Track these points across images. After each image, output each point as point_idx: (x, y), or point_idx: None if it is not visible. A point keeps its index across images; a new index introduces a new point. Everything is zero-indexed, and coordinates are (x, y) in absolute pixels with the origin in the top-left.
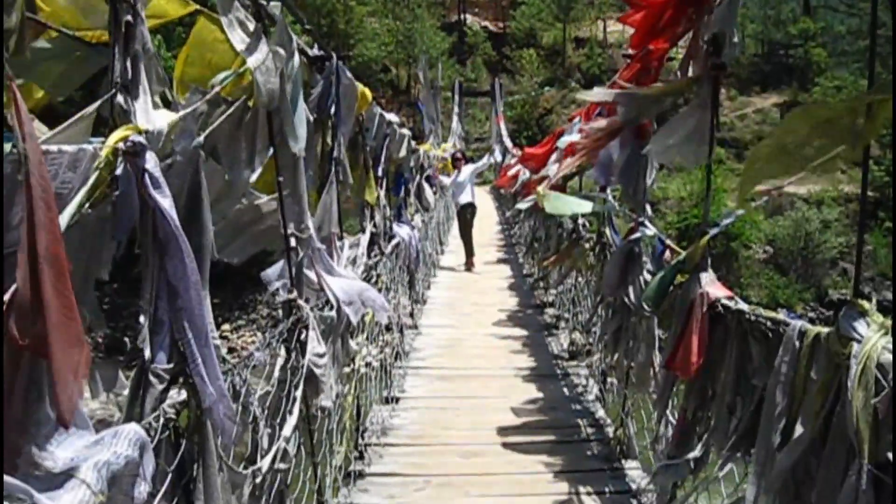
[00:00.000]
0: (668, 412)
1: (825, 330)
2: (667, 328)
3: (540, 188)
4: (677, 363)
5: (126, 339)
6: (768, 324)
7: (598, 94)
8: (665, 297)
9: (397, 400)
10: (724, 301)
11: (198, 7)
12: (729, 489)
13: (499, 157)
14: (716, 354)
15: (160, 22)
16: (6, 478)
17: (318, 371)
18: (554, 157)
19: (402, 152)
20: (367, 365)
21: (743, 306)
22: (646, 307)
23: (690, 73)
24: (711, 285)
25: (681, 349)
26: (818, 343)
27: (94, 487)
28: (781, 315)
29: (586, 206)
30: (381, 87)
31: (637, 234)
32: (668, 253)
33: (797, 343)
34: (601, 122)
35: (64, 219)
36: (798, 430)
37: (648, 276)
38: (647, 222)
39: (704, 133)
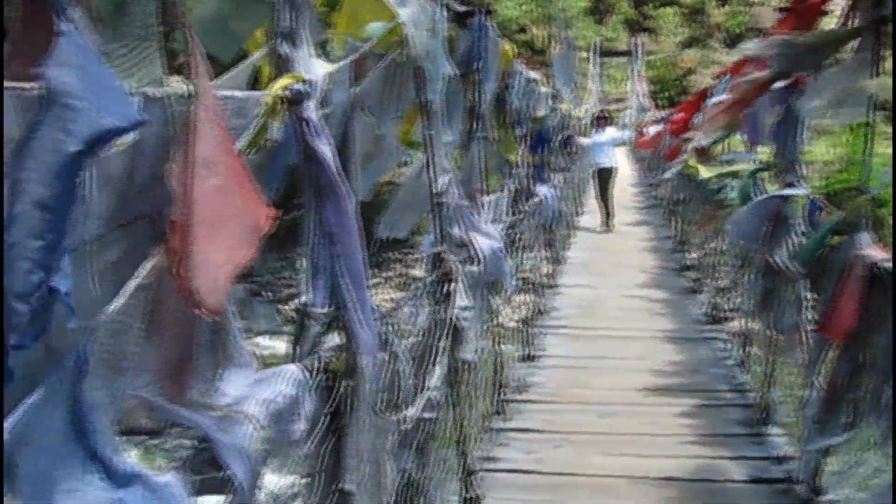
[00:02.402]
0: (817, 377)
1: None
2: (818, 291)
3: (689, 159)
4: (831, 326)
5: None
6: None
7: (753, 47)
8: (818, 258)
9: (536, 358)
10: (885, 263)
11: None
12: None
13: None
14: (871, 319)
15: None
16: (182, 411)
17: (464, 324)
18: (699, 118)
19: (543, 110)
20: (507, 323)
21: None
22: (796, 268)
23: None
24: (870, 247)
25: (835, 312)
26: None
27: (258, 423)
28: None
29: (738, 167)
30: (519, 47)
31: (786, 191)
32: (822, 214)
33: None
34: (752, 75)
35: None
36: None
37: (797, 238)
38: (799, 182)
39: (862, 91)
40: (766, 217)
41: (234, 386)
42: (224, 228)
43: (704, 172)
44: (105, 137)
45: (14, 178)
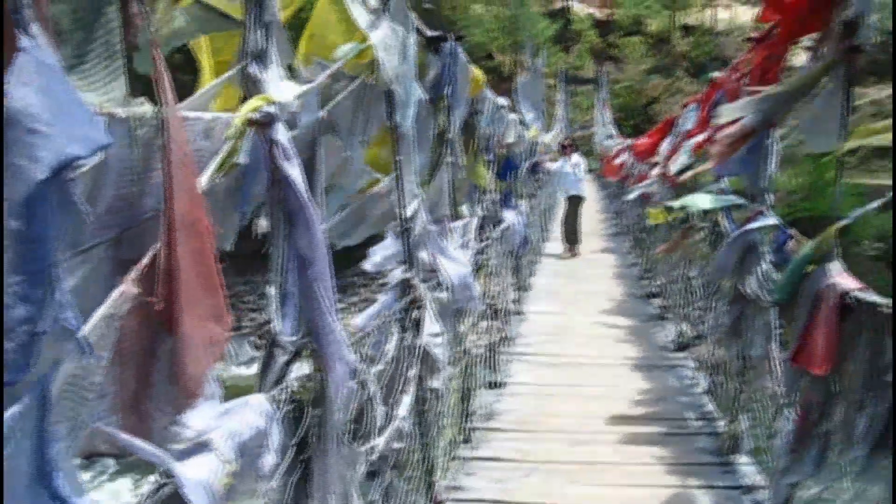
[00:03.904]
0: (789, 408)
1: None
2: (788, 320)
3: (652, 210)
4: (805, 357)
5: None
6: None
7: (732, 109)
8: (796, 289)
9: (503, 385)
10: (857, 293)
11: None
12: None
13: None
14: (844, 348)
15: (291, 10)
16: (144, 444)
17: (435, 351)
18: (666, 144)
19: (512, 137)
20: (474, 350)
21: (877, 299)
22: (775, 299)
23: (819, 59)
24: (841, 276)
25: (809, 342)
26: None
27: (224, 456)
28: None
29: (710, 203)
30: (487, 74)
31: (756, 223)
32: (790, 243)
33: None
34: (733, 129)
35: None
36: None
37: (769, 267)
38: (768, 211)
39: (835, 119)
40: (738, 249)
41: (199, 418)
42: (202, 304)
43: (663, 216)
44: (72, 162)
45: None
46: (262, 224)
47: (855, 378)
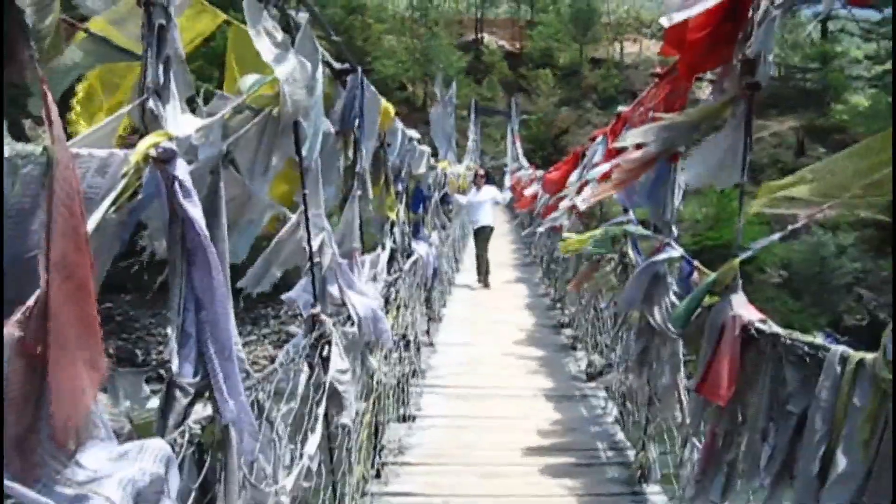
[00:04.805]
0: (695, 437)
1: (870, 355)
2: (693, 351)
3: (566, 240)
4: (708, 387)
5: (137, 351)
6: (805, 348)
7: (634, 134)
8: (693, 319)
9: (414, 418)
10: (758, 324)
11: (227, 18)
12: None
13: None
14: (747, 378)
15: (197, 41)
16: (26, 491)
17: (341, 388)
18: (574, 177)
19: (422, 168)
20: (385, 382)
21: (777, 330)
22: (673, 328)
23: (721, 93)
24: (743, 308)
25: (712, 373)
26: (862, 369)
27: None
28: (819, 339)
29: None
30: (398, 105)
31: (662, 255)
32: (695, 274)
33: (838, 368)
34: (636, 154)
35: (89, 224)
36: (841, 460)
37: (674, 298)
38: (673, 243)
39: (737, 154)
40: (644, 281)
41: (93, 461)
42: (75, 350)
43: (577, 244)
44: None
45: None
46: (154, 243)
47: (757, 408)
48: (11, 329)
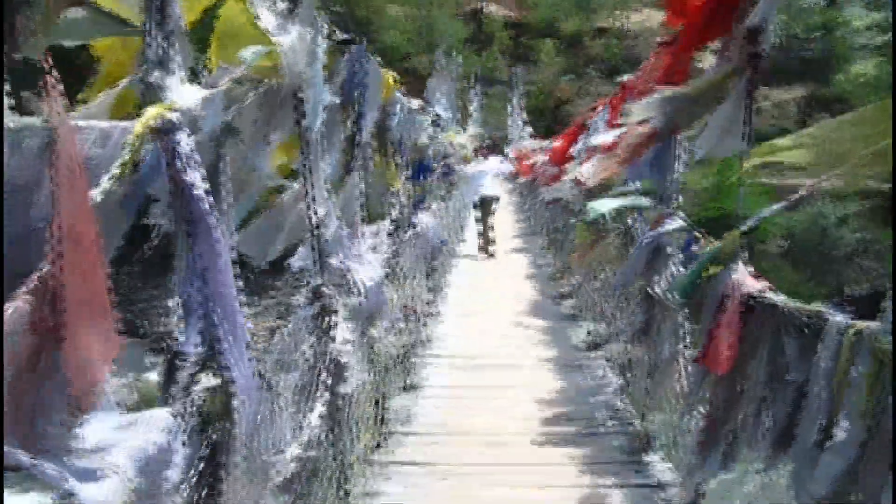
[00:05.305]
0: (695, 407)
1: (871, 325)
2: (697, 321)
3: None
4: (709, 358)
5: (139, 325)
6: (805, 318)
7: (641, 107)
8: (695, 289)
9: (418, 388)
10: (758, 294)
11: None
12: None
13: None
14: (747, 349)
15: (196, 14)
16: (40, 462)
17: (344, 358)
18: (578, 145)
19: (425, 139)
20: (389, 353)
21: (777, 299)
22: (674, 298)
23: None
24: (745, 278)
25: (713, 343)
26: (861, 338)
27: (125, 475)
28: (821, 308)
29: (616, 204)
30: (401, 75)
31: (664, 226)
32: (694, 244)
33: (837, 338)
34: (640, 130)
35: (94, 196)
36: (842, 429)
37: (675, 269)
38: (675, 214)
39: (738, 124)
40: (646, 253)
41: (97, 431)
42: (88, 319)
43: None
44: None
45: None
46: (161, 221)
47: (757, 378)
48: (21, 302)
